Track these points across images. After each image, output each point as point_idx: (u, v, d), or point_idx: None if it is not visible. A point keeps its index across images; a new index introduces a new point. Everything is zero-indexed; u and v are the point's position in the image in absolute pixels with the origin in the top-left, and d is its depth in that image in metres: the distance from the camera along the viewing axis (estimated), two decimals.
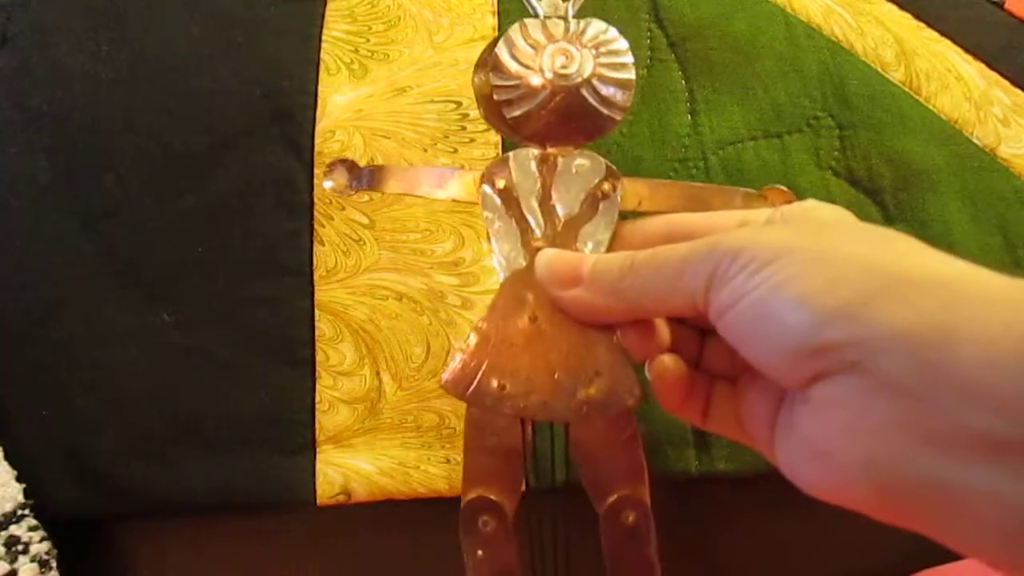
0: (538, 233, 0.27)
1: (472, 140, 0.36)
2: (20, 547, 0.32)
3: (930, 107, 0.37)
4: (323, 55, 0.36)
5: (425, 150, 0.36)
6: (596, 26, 0.28)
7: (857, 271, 0.19)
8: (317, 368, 0.35)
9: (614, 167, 0.28)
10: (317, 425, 0.35)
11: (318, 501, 0.34)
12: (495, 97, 0.27)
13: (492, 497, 0.26)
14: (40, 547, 0.33)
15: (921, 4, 0.38)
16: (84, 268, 0.35)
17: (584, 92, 0.27)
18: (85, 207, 0.35)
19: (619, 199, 0.28)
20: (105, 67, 0.36)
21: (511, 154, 0.28)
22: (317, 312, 0.35)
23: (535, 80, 0.27)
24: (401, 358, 0.35)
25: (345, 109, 0.36)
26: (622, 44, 0.28)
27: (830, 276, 0.19)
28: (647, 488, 0.27)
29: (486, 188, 0.28)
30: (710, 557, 0.38)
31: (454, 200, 0.29)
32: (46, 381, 0.35)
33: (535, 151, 0.28)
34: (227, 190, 0.35)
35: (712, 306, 0.22)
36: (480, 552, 0.26)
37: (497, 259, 0.27)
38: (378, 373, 0.35)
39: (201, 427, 0.35)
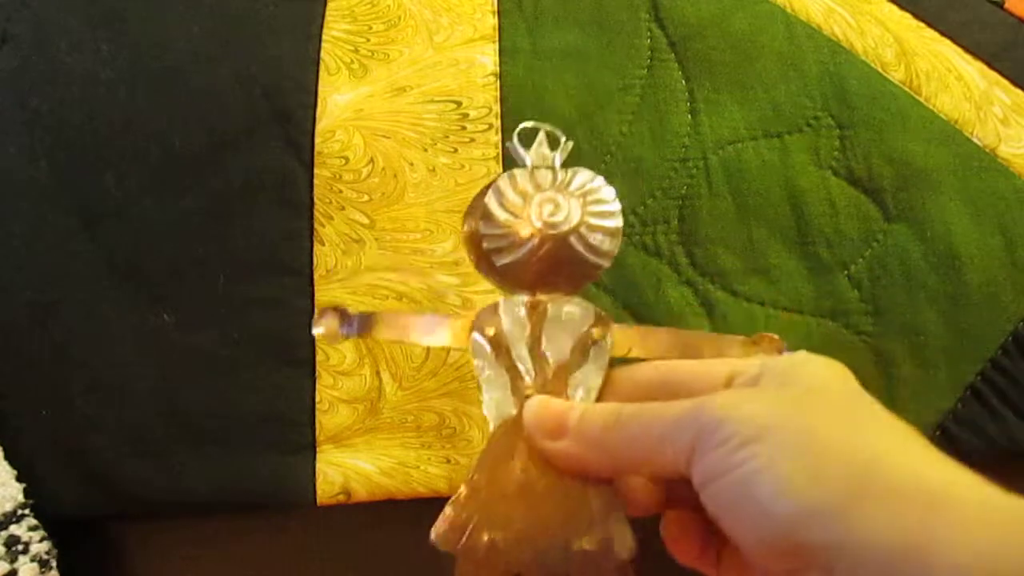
0: (528, 380, 0.27)
1: (472, 140, 0.36)
2: (20, 547, 0.32)
3: (930, 107, 0.37)
4: (323, 55, 0.36)
5: (425, 150, 0.36)
6: (583, 175, 0.28)
7: (838, 466, 0.20)
8: (317, 368, 0.35)
9: (604, 313, 0.28)
10: (317, 425, 0.35)
11: (318, 501, 0.34)
12: (484, 246, 0.27)
13: None
14: (40, 547, 0.33)
15: (921, 4, 0.38)
16: (84, 268, 0.35)
17: (572, 240, 0.27)
18: (85, 207, 0.35)
19: (609, 345, 0.28)
20: (105, 67, 0.36)
21: (500, 302, 0.28)
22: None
23: (524, 230, 0.27)
24: (401, 358, 0.35)
25: (345, 109, 0.36)
26: (608, 192, 0.28)
27: (811, 468, 0.20)
28: None
29: (476, 336, 0.28)
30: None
31: (443, 346, 0.29)
32: (46, 381, 0.35)
33: (524, 298, 0.28)
34: (227, 190, 0.35)
35: (695, 476, 0.22)
36: None
37: (487, 407, 0.27)
38: (378, 373, 0.35)
39: (201, 427, 0.35)
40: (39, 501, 0.34)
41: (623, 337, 0.29)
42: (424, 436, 0.35)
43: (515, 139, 0.29)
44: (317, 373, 0.35)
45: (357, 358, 0.35)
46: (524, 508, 0.25)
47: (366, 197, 0.35)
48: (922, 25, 0.38)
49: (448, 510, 0.25)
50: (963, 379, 0.36)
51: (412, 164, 0.35)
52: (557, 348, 0.28)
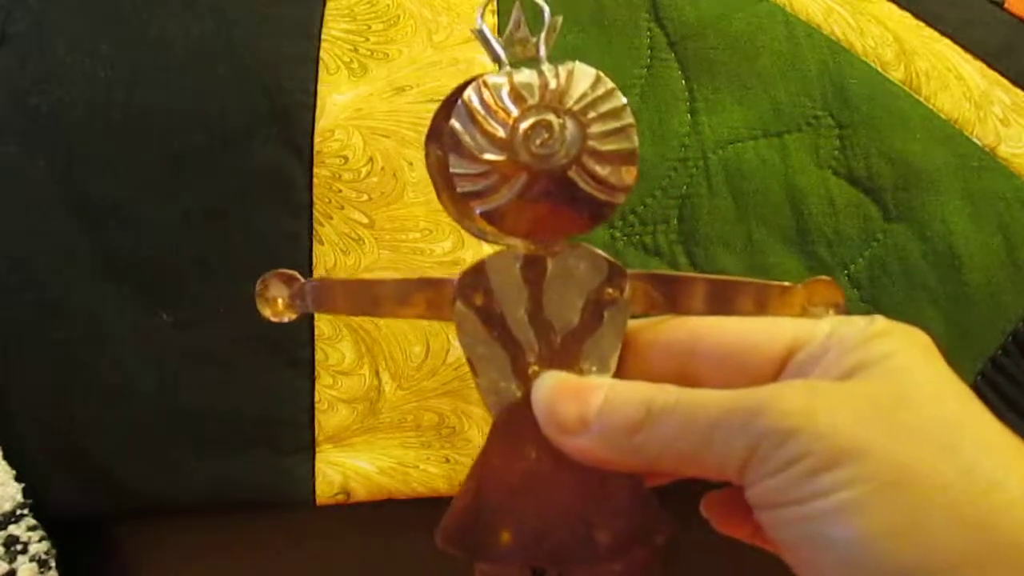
0: (531, 356, 0.22)
1: None
2: (19, 547, 0.32)
3: (930, 107, 0.37)
4: (322, 54, 0.36)
5: None
6: (581, 80, 0.21)
7: (945, 515, 0.16)
8: (316, 367, 0.35)
9: (619, 264, 0.23)
10: (316, 425, 0.35)
11: (317, 501, 0.34)
12: (458, 189, 0.21)
13: None
14: (39, 547, 0.33)
15: (921, 4, 0.38)
16: (84, 268, 0.35)
17: (572, 174, 0.21)
18: (85, 207, 0.35)
19: (628, 305, 0.22)
20: (105, 66, 0.36)
21: (487, 260, 0.22)
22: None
23: (509, 165, 0.21)
24: (400, 357, 0.35)
25: (344, 108, 0.36)
26: (618, 100, 0.22)
27: (909, 516, 0.16)
28: None
29: (461, 307, 0.22)
30: (711, 556, 0.38)
31: (422, 317, 0.23)
32: (46, 381, 0.35)
33: (518, 252, 0.22)
34: (227, 190, 0.35)
35: (749, 494, 0.19)
36: None
37: (485, 392, 0.22)
38: (377, 372, 0.35)
39: (201, 427, 0.35)
40: (38, 501, 0.34)
41: (644, 292, 0.23)
42: (423, 435, 0.35)
43: (479, 20, 0.22)
44: (316, 373, 0.35)
45: (356, 357, 0.35)
46: (537, 500, 0.22)
47: (365, 196, 0.35)
48: (922, 24, 0.38)
49: (454, 508, 0.22)
50: (963, 379, 0.36)
51: (411, 164, 0.35)
52: (563, 312, 0.22)
